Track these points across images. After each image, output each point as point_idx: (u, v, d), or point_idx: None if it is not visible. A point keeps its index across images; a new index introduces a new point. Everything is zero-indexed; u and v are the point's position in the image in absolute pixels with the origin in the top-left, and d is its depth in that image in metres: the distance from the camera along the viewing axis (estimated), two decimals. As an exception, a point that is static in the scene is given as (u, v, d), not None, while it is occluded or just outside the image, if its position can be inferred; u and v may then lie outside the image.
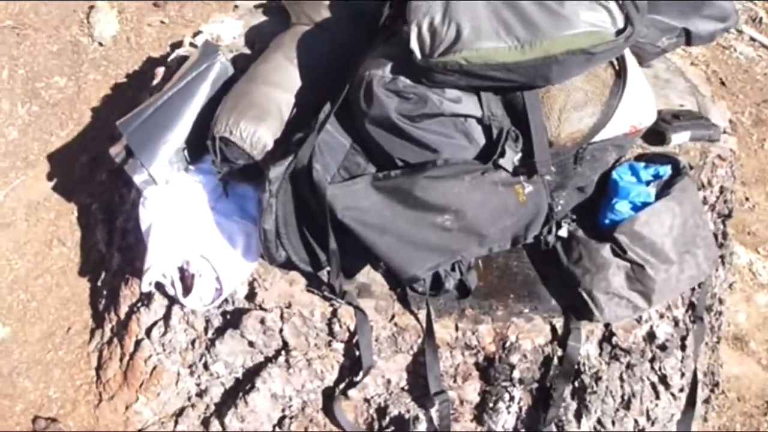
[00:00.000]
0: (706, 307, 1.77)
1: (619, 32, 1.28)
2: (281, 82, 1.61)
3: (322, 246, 1.48)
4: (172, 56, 2.09)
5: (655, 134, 1.70)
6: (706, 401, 1.99)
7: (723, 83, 3.07)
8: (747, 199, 2.62)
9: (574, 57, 1.27)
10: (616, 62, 1.43)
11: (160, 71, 2.10)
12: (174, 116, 1.69)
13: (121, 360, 1.90)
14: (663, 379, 1.59)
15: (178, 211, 1.65)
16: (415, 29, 1.31)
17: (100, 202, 2.31)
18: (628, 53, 1.45)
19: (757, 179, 2.69)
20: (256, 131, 1.53)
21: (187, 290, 1.62)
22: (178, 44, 2.53)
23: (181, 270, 1.62)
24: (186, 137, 1.68)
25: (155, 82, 2.07)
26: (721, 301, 1.99)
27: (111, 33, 2.92)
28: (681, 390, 1.63)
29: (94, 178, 2.43)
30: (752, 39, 3.29)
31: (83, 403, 1.94)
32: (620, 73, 1.42)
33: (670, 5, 1.65)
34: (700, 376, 1.66)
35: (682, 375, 1.62)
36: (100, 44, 2.91)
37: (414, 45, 1.31)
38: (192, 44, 2.04)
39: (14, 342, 2.09)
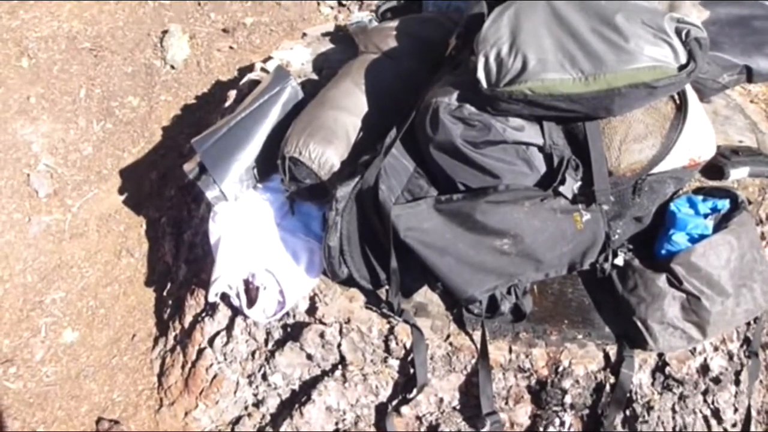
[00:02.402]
0: (762, 343, 1.76)
1: (681, 67, 1.31)
2: (349, 107, 1.69)
3: (382, 265, 1.54)
4: (244, 80, 2.19)
5: (714, 169, 1.71)
6: (760, 440, 1.96)
7: (783, 121, 3.03)
8: (806, 238, 2.58)
9: (637, 90, 1.31)
10: (677, 96, 1.46)
11: (232, 94, 2.20)
12: (246, 136, 1.78)
13: (182, 367, 1.98)
14: (716, 413, 1.59)
15: (246, 227, 1.73)
16: (482, 59, 1.37)
17: (168, 216, 2.42)
18: (689, 88, 1.48)
19: (817, 218, 2.64)
20: (324, 152, 1.61)
21: (251, 302, 1.70)
22: (246, 69, 2.65)
23: (247, 282, 1.70)
24: (256, 156, 1.77)
25: (227, 104, 2.18)
26: (777, 339, 1.97)
27: (182, 57, 3.06)
28: (734, 425, 1.62)
29: (163, 194, 2.54)
30: (814, 77, 3.25)
31: (144, 408, 2.02)
32: (681, 107, 1.45)
33: (732, 43, 1.67)
34: (753, 413, 1.64)
35: (735, 410, 1.61)
36: (172, 67, 3.05)
37: (481, 74, 1.37)
38: (263, 69, 2.14)
39: (82, 346, 2.19)
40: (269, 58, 2.19)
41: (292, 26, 3.19)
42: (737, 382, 1.62)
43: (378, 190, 1.47)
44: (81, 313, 2.27)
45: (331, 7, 3.25)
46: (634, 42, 1.29)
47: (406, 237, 1.44)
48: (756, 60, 1.67)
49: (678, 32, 1.31)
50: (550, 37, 1.34)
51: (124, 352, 2.16)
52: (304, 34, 2.35)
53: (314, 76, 2.10)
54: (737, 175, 1.73)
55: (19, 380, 2.09)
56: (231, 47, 3.14)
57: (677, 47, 1.30)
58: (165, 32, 3.14)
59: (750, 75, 1.68)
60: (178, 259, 2.20)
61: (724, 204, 1.58)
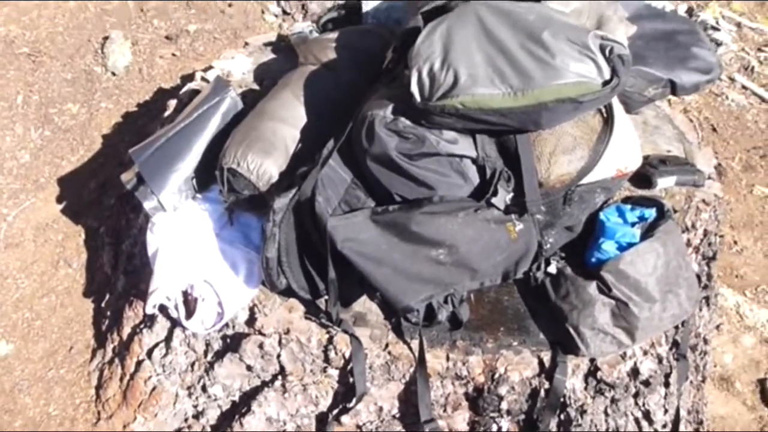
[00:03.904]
0: (690, 346, 1.83)
1: (605, 83, 1.36)
2: (288, 118, 1.69)
3: (321, 275, 1.55)
4: (184, 89, 2.17)
5: (642, 178, 1.78)
6: (691, 439, 2.03)
7: (714, 129, 3.16)
8: (735, 242, 2.69)
9: (563, 105, 1.35)
10: (603, 110, 1.51)
11: (172, 103, 2.19)
12: (184, 147, 1.77)
13: (121, 380, 1.95)
14: (646, 415, 1.64)
15: (184, 237, 1.72)
16: (415, 74, 1.40)
17: (107, 226, 2.38)
18: (615, 101, 1.53)
19: (746, 224, 2.76)
20: (263, 164, 1.61)
21: (189, 313, 1.69)
22: (189, 77, 2.63)
23: (185, 294, 1.69)
24: (195, 167, 1.76)
25: (167, 113, 2.16)
26: (705, 341, 2.04)
27: (124, 63, 3.02)
28: (664, 426, 1.67)
29: (102, 203, 2.50)
30: (744, 87, 3.39)
31: (82, 422, 1.99)
32: (607, 120, 1.50)
33: (657, 57, 1.74)
34: (683, 413, 1.70)
35: (666, 411, 1.67)
36: (113, 74, 3.00)
37: (414, 89, 1.40)
38: (204, 79, 2.13)
39: (17, 359, 2.14)
40: (210, 67, 2.18)
41: (236, 34, 3.18)
42: (667, 384, 1.68)
43: (315, 201, 1.48)
44: (16, 325, 2.22)
45: (276, 15, 3.25)
46: (560, 58, 1.34)
47: (343, 248, 1.45)
48: (679, 74, 1.74)
49: (602, 49, 1.36)
50: (480, 53, 1.38)
51: (61, 364, 2.12)
52: (246, 44, 2.35)
53: (255, 86, 2.10)
54: (665, 183, 1.80)
55: (-50, 395, 2.03)
56: (173, 54, 3.11)
57: (601, 64, 1.35)
58: (106, 38, 3.09)
59: (674, 89, 1.75)
60: (117, 270, 2.17)
61: (651, 213, 1.63)
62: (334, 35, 1.87)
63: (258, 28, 3.21)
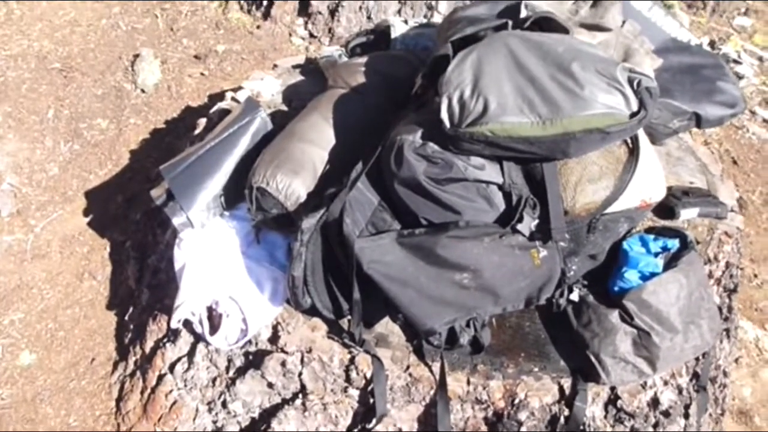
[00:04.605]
0: (710, 378, 1.83)
1: (632, 115, 1.38)
2: (317, 140, 1.73)
3: (345, 295, 1.57)
4: (214, 109, 2.22)
5: (665, 209, 1.79)
6: (709, 472, 2.01)
7: (735, 162, 3.16)
8: (756, 275, 2.68)
9: (591, 135, 1.37)
10: (630, 140, 1.53)
11: (202, 121, 2.23)
12: (214, 165, 1.80)
13: (142, 393, 1.97)
14: (665, 446, 1.64)
15: (211, 254, 1.75)
16: (446, 101, 1.42)
17: (133, 240, 2.42)
18: (641, 133, 1.55)
19: (766, 257, 2.75)
20: (291, 184, 1.64)
21: (214, 329, 1.71)
22: (217, 96, 2.68)
23: (210, 309, 1.71)
24: (224, 185, 1.79)
25: (196, 131, 2.20)
26: (725, 374, 2.03)
27: (153, 81, 3.08)
28: (683, 458, 1.67)
29: (129, 217, 2.54)
30: (765, 120, 3.40)
31: (101, 433, 2.01)
32: (633, 151, 1.52)
33: (683, 90, 1.76)
34: (702, 445, 1.70)
35: (685, 443, 1.67)
36: (143, 91, 3.07)
37: (444, 115, 1.42)
38: (234, 99, 2.17)
39: (39, 369, 2.17)
40: (240, 87, 2.23)
41: (263, 55, 3.24)
42: (686, 416, 1.67)
43: (343, 222, 1.50)
44: (39, 335, 2.25)
45: (303, 38, 3.31)
46: (589, 89, 1.36)
47: (369, 269, 1.47)
48: (704, 107, 1.75)
49: (630, 81, 1.39)
50: (510, 82, 1.40)
51: (83, 376, 2.15)
52: (275, 65, 2.39)
53: (284, 108, 2.14)
54: (688, 215, 1.81)
55: (-27, 403, 2.06)
56: (202, 74, 3.17)
57: (629, 95, 1.37)
58: (137, 56, 3.16)
59: (699, 121, 1.77)
60: (142, 284, 2.20)
61: (674, 243, 1.64)
62: (363, 60, 1.91)
63: (285, 50, 3.27)
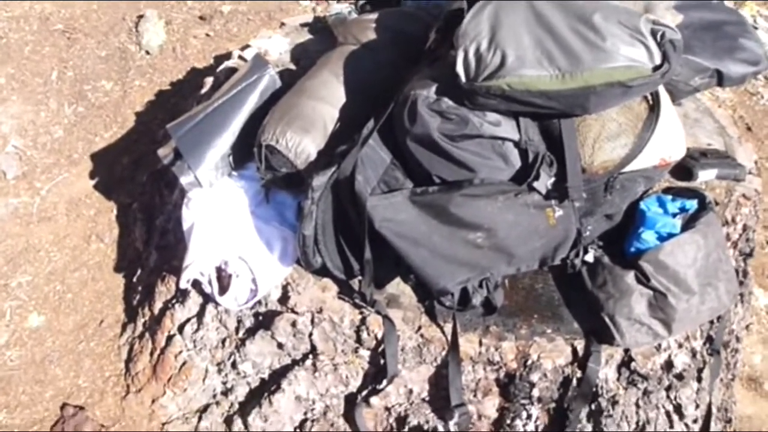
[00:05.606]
0: (724, 342, 1.81)
1: (655, 68, 1.33)
2: (327, 97, 1.69)
3: (356, 255, 1.54)
4: (221, 67, 2.18)
5: (683, 170, 1.75)
6: (719, 436, 2.01)
7: (749, 128, 3.11)
8: (768, 243, 2.65)
9: (612, 89, 1.33)
10: (650, 97, 1.49)
11: (208, 81, 2.19)
12: (222, 123, 1.77)
13: (151, 354, 1.96)
14: (678, 409, 1.62)
15: (219, 214, 1.72)
16: (461, 54, 1.38)
17: (139, 202, 2.40)
18: (661, 90, 1.51)
19: (779, 224, 2.72)
20: (301, 142, 1.61)
21: (223, 289, 1.69)
22: (222, 56, 2.63)
23: (219, 270, 1.69)
24: (232, 144, 1.76)
25: (203, 91, 2.16)
26: (738, 339, 2.01)
27: (158, 42, 3.03)
28: (695, 421, 1.66)
29: (135, 179, 2.51)
30: (780, 86, 3.34)
31: (111, 394, 2.00)
32: (654, 108, 1.48)
33: (704, 46, 1.71)
34: (714, 410, 1.68)
35: (697, 406, 1.65)
36: (147, 52, 3.02)
37: (460, 69, 1.38)
38: (241, 57, 2.13)
39: (48, 331, 2.16)
40: (247, 46, 2.18)
41: (270, 16, 3.18)
42: (699, 379, 1.66)
43: (354, 180, 1.47)
44: (48, 297, 2.24)
45: (310, -1, 3.25)
46: (611, 41, 1.32)
47: (381, 228, 1.45)
48: (726, 64, 1.70)
49: (653, 33, 1.34)
50: (528, 34, 1.36)
51: (91, 337, 2.14)
52: (283, 24, 2.34)
53: (292, 66, 2.09)
54: (705, 176, 1.77)
55: (-18, 364, 2.06)
56: (207, 35, 3.11)
57: (652, 48, 1.33)
58: (140, 17, 3.11)
59: (720, 79, 1.72)
60: (149, 245, 2.18)
61: (692, 204, 1.61)
62: (373, 16, 1.86)
63: (292, 11, 3.21)
